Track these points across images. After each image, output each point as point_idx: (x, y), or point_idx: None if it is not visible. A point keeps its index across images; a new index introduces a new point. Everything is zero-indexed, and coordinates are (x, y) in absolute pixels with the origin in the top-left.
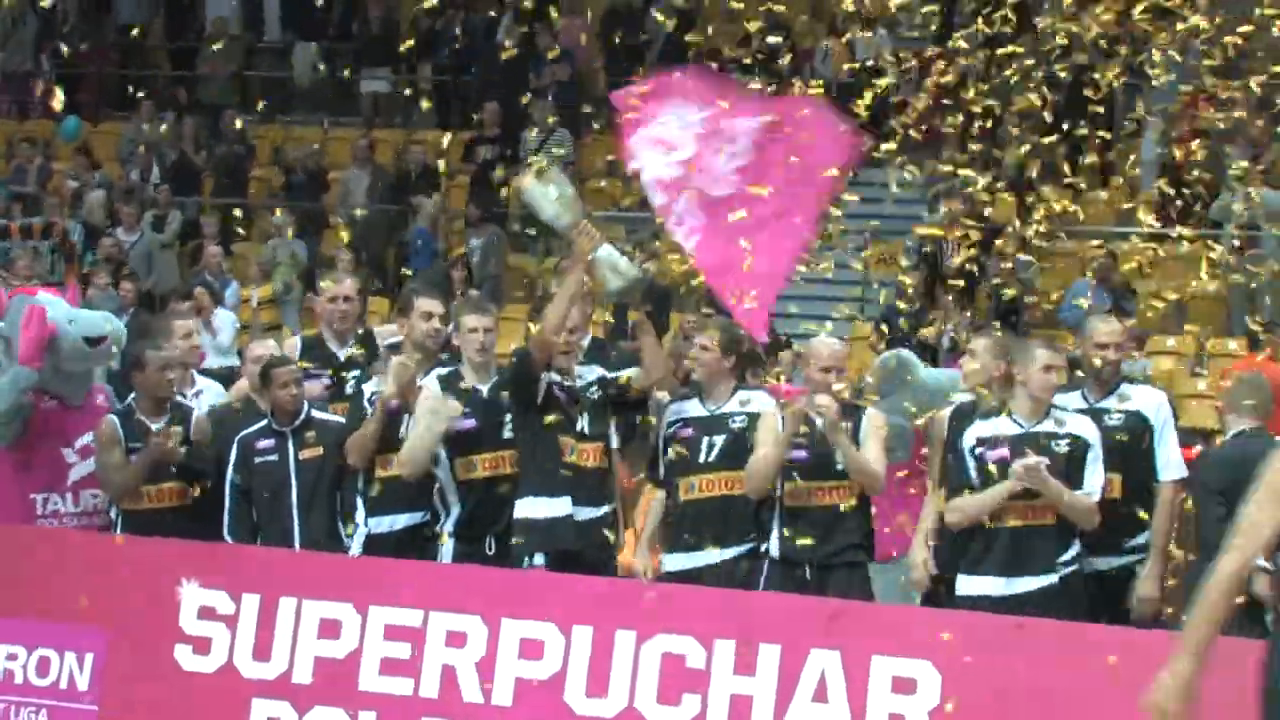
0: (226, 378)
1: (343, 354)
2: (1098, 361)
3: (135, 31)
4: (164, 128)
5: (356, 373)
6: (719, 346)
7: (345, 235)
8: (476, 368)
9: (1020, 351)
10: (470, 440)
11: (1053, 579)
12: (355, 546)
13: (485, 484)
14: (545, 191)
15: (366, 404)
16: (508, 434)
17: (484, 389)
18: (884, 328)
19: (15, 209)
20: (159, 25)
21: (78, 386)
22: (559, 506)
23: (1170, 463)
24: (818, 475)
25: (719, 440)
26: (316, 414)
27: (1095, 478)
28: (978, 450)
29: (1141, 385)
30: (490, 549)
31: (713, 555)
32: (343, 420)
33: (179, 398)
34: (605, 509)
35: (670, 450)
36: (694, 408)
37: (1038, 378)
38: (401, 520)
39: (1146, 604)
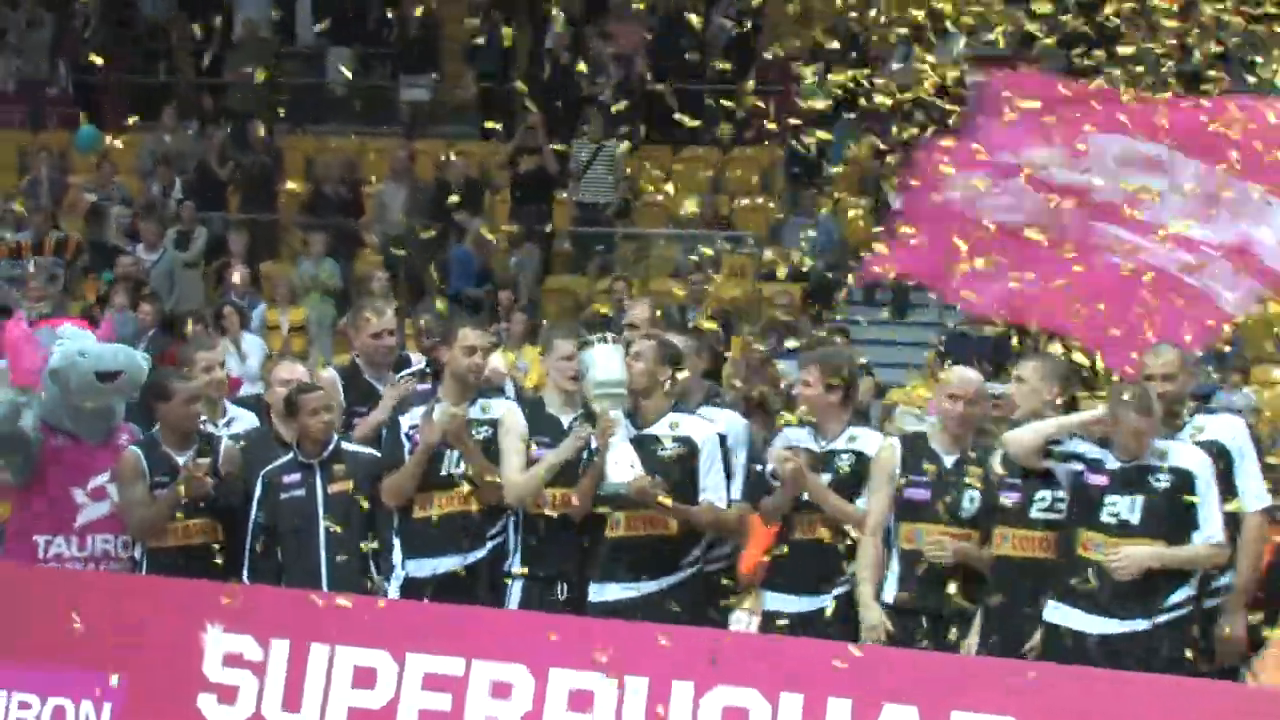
0: (256, 406)
1: (383, 388)
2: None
3: (160, 33)
4: (187, 136)
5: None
6: (821, 382)
7: (377, 255)
8: (564, 397)
9: (1113, 396)
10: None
11: (1152, 622)
12: (392, 591)
13: (557, 521)
14: (606, 362)
15: (404, 437)
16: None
17: (566, 420)
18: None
19: (29, 223)
20: (182, 25)
21: (95, 423)
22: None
23: (1253, 492)
24: (928, 518)
25: (824, 480)
26: (346, 445)
27: (1212, 517)
28: (1080, 471)
29: (1218, 414)
30: (562, 593)
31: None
32: (375, 454)
33: (209, 427)
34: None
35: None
36: (805, 439)
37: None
38: (444, 564)
39: (1233, 645)
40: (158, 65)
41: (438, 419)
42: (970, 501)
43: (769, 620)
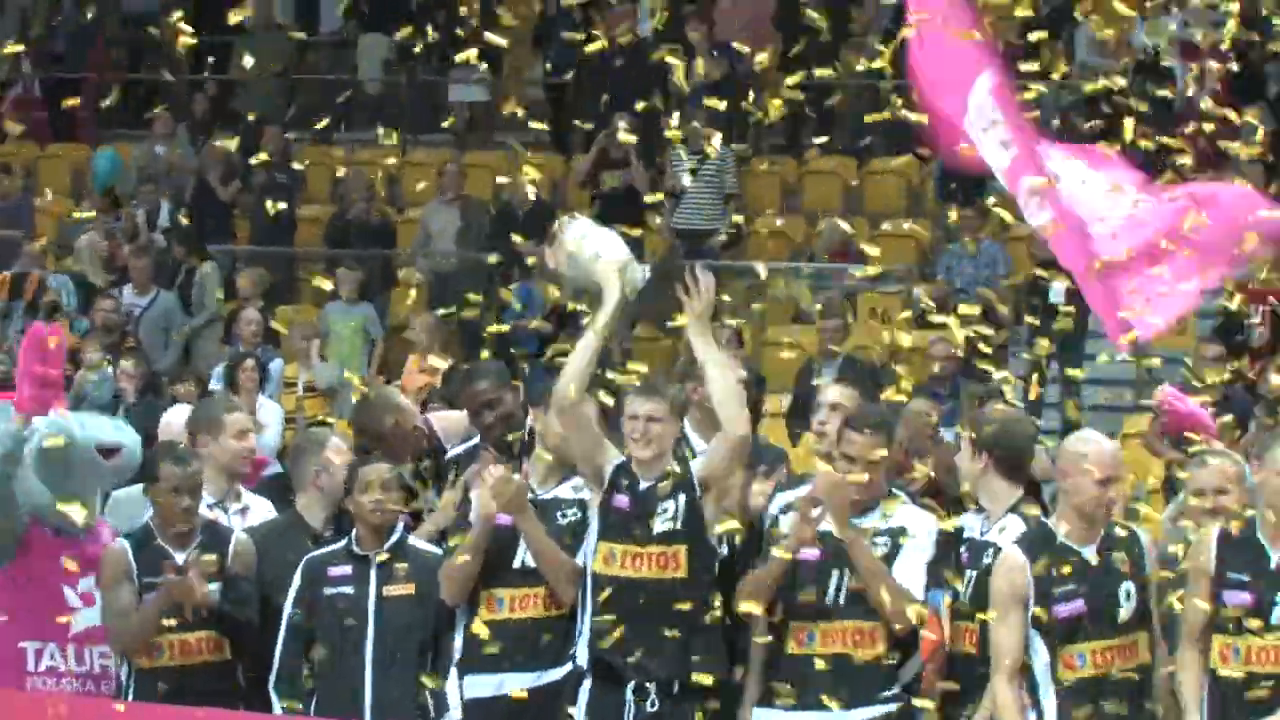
0: (278, 491)
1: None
2: None
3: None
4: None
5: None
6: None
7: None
8: (640, 462)
9: None
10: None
11: None
12: (454, 713)
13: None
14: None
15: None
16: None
17: (643, 484)
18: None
19: None
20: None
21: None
22: None
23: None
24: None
25: (847, 577)
26: (414, 541)
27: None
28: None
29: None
30: (652, 704)
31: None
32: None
33: (217, 512)
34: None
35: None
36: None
37: None
38: (513, 680)
39: None
40: (146, 60)
41: (491, 485)
42: (1128, 598)
43: None
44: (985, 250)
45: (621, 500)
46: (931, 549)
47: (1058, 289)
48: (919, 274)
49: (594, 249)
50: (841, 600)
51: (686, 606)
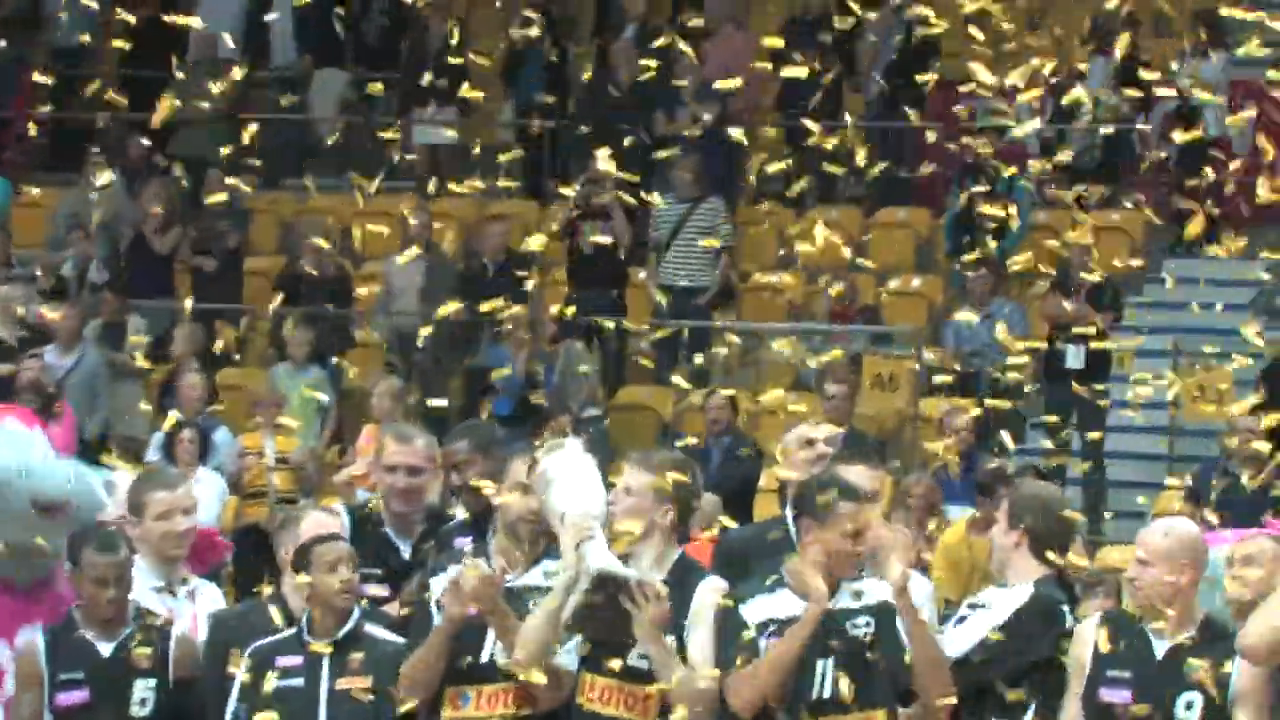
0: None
1: (406, 547)
2: None
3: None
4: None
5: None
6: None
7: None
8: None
9: None
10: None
11: None
12: None
13: None
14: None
15: (434, 610)
16: None
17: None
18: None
19: None
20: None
21: (23, 564)
22: None
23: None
24: None
25: (830, 662)
26: (371, 628)
27: None
28: None
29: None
30: None
31: None
32: (404, 642)
33: (164, 602)
34: None
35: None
36: (790, 603)
37: None
38: None
39: None
40: (78, 95)
41: (463, 581)
42: (1189, 709)
43: None
44: (999, 312)
45: None
46: (932, 611)
47: (1075, 353)
48: (929, 336)
49: (562, 503)
50: (826, 693)
51: None
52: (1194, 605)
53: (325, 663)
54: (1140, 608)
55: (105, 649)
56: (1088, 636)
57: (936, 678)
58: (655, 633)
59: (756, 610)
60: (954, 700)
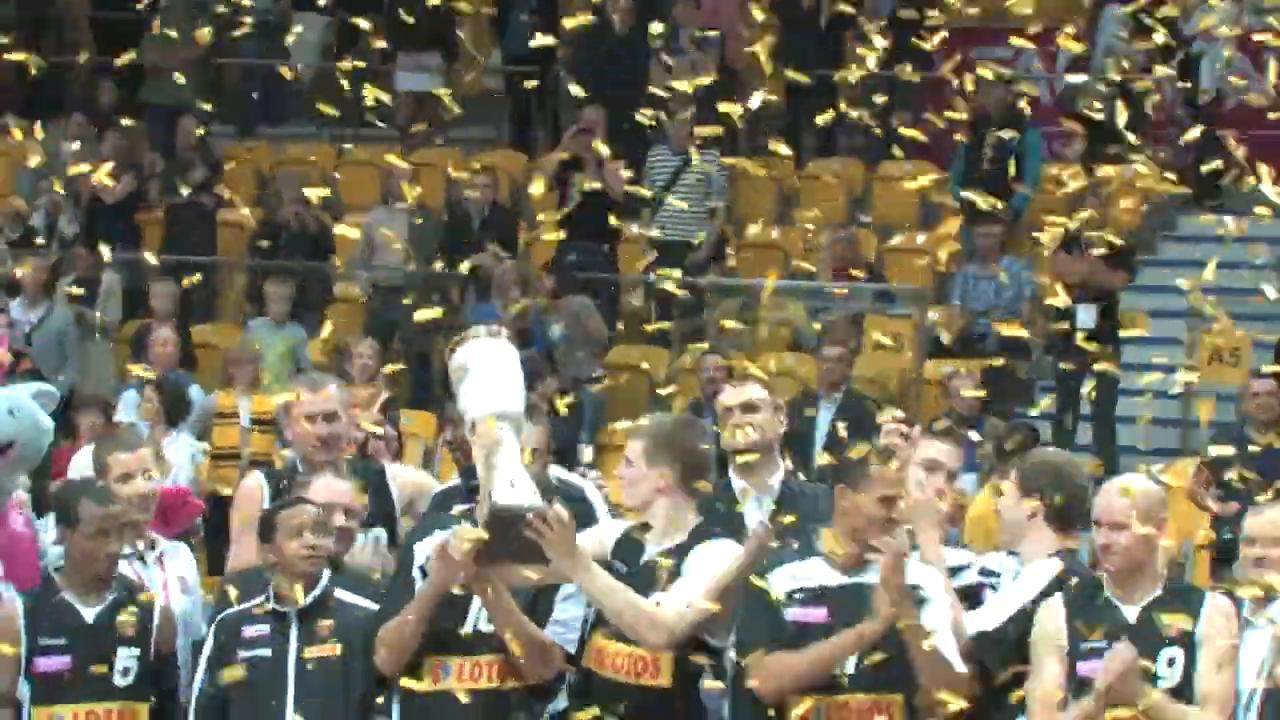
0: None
1: None
2: None
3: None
4: (81, 145)
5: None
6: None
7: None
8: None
9: None
10: None
11: None
12: None
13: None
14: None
15: (416, 575)
16: None
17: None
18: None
19: None
20: None
21: None
22: None
23: None
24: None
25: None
26: (341, 593)
27: None
28: None
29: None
30: None
31: None
32: (376, 607)
33: (135, 564)
34: None
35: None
36: (820, 572)
37: None
38: None
39: None
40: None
41: (452, 547)
42: (1171, 665)
43: None
44: (1009, 271)
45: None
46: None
47: (1087, 314)
48: (934, 295)
49: (472, 406)
50: (850, 669)
51: None
52: (1159, 562)
53: (293, 631)
54: (1118, 571)
55: (88, 614)
56: (1056, 610)
57: (932, 669)
58: (567, 552)
59: (784, 577)
60: (955, 697)
